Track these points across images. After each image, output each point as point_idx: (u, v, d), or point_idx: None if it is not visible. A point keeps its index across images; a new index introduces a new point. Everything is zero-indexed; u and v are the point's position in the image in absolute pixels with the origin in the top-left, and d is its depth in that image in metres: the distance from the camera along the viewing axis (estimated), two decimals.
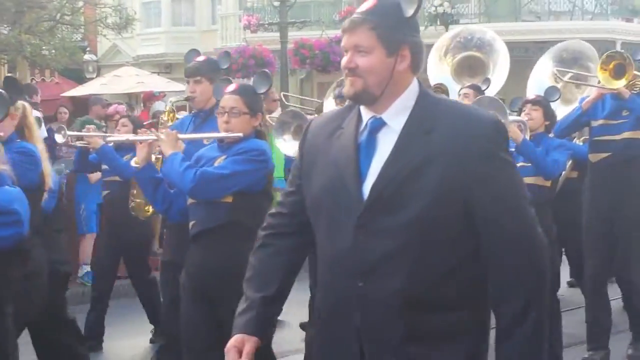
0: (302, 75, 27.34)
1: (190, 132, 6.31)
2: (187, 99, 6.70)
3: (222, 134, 5.35)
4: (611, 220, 7.75)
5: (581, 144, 9.02)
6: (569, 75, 9.27)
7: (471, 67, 10.06)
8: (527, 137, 7.17)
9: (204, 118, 6.38)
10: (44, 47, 17.06)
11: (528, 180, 6.87)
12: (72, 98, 21.38)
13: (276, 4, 21.05)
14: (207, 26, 31.94)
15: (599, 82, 7.81)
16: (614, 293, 8.51)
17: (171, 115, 6.80)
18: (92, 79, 23.49)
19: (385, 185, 2.97)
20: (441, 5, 24.59)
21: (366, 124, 3.09)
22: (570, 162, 8.80)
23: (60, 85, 22.76)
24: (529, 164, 7.08)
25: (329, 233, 3.10)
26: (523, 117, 7.40)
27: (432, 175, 2.93)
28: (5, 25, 17.31)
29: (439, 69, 10.07)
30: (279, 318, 4.92)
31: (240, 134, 5.27)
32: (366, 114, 3.10)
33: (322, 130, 3.21)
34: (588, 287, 8.01)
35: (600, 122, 7.84)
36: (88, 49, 26.18)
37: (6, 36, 16.49)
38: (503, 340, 3.00)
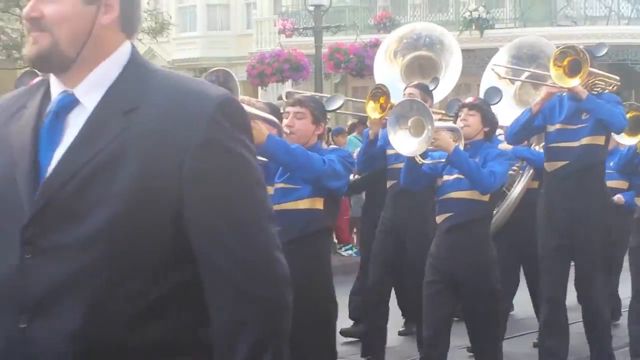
0: (337, 79, 27.35)
1: None
2: None
3: None
4: (570, 235, 7.06)
5: (541, 150, 8.01)
6: (525, 74, 8.50)
7: (422, 67, 9.50)
8: (462, 146, 6.28)
9: None
10: None
11: (462, 194, 6.25)
12: None
13: (311, 8, 21.07)
14: (242, 30, 32.03)
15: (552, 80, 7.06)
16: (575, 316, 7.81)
17: None
18: None
19: (61, 185, 2.14)
20: (476, 10, 24.55)
21: (53, 102, 2.25)
22: (531, 171, 8.14)
23: None
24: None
25: None
26: (459, 123, 6.51)
27: (127, 170, 2.11)
28: None
29: (389, 72, 9.53)
30: None
31: None
32: (56, 88, 2.26)
33: (3, 114, 2.33)
34: (544, 309, 7.20)
35: (557, 126, 7.10)
36: None
37: None
38: None
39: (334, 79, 27.27)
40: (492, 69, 8.11)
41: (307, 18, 25.16)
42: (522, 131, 7.23)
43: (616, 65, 21.53)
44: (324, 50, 22.26)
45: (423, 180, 6.52)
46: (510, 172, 7.72)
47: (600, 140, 7.06)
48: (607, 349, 7.22)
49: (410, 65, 9.56)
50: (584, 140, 6.99)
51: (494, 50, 10.55)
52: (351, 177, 9.20)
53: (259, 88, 24.91)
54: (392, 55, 9.66)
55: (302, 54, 23.55)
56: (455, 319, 6.63)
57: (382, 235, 7.82)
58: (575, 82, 6.83)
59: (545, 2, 25.63)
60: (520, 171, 8.15)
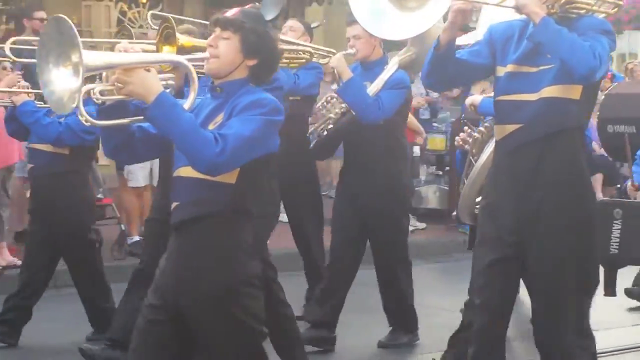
0: None
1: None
2: None
3: None
4: (518, 244, 4.48)
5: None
6: None
7: None
8: (193, 93, 3.72)
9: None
10: None
11: (193, 172, 3.73)
12: None
13: None
14: None
15: None
16: None
17: None
18: None
19: None
20: None
21: None
22: None
23: None
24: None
25: None
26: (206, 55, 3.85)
27: None
28: None
29: None
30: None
31: None
32: None
33: None
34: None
35: (509, 68, 4.50)
36: None
37: None
38: None
39: None
40: None
41: None
42: (434, 70, 4.53)
43: None
44: None
45: (145, 150, 3.93)
46: (476, 135, 5.86)
47: (573, 92, 4.37)
48: None
49: None
50: (546, 92, 4.37)
51: None
52: None
53: None
54: None
55: None
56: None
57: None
58: None
59: None
60: (492, 134, 5.42)
